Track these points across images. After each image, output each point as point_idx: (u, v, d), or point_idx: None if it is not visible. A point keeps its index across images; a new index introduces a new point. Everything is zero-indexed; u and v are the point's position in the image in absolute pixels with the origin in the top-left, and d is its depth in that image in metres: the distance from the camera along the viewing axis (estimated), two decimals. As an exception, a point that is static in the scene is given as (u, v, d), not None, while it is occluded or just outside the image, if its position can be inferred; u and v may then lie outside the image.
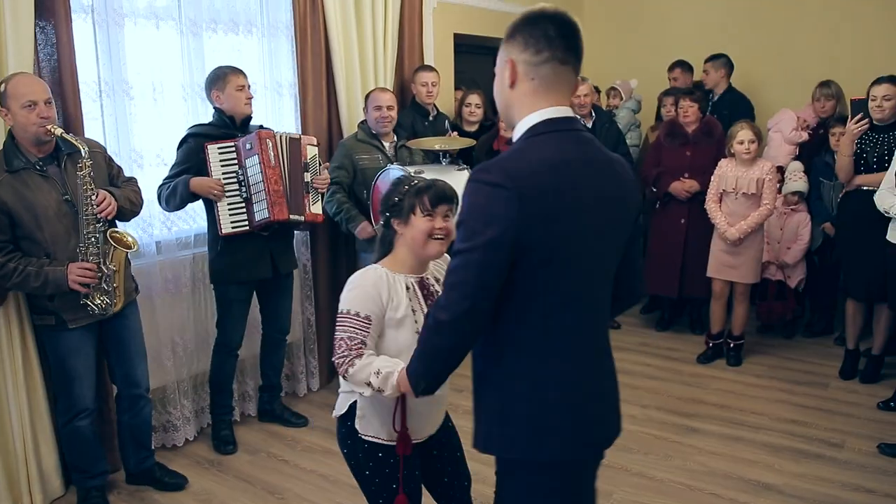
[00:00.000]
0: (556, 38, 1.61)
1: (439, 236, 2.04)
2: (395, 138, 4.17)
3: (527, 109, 1.63)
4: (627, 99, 5.92)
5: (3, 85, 2.69)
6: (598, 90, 6.06)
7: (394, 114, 4.09)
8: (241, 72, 3.49)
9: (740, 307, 4.64)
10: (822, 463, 3.45)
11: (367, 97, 4.13)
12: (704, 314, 5.07)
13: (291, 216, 3.49)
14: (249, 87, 3.53)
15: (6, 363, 2.98)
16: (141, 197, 3.14)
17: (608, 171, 1.65)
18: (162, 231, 3.62)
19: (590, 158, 1.62)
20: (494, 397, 1.67)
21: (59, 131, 2.74)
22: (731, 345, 4.71)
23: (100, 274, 2.82)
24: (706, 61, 5.45)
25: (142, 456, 3.28)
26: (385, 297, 2.03)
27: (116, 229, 2.93)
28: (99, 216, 2.81)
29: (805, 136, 5.11)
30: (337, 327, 2.00)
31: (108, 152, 3.11)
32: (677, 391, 4.31)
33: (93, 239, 2.80)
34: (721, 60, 5.38)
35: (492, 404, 1.68)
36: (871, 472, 3.35)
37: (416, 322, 2.05)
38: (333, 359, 2.00)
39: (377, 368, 1.91)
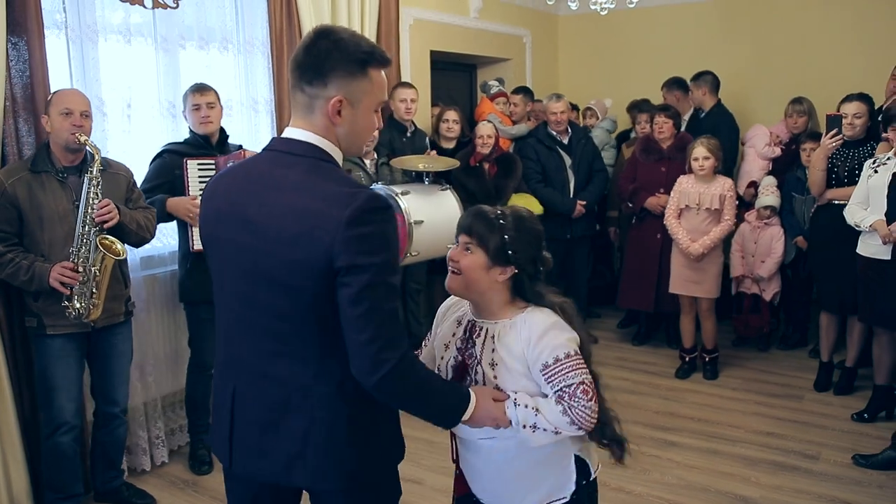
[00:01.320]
0: None
1: (451, 268, 1.82)
2: (376, 156, 4.17)
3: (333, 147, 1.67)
4: (603, 118, 5.99)
5: (51, 96, 2.92)
6: (576, 108, 6.13)
7: (376, 133, 4.07)
8: (200, 90, 3.44)
9: (707, 322, 4.68)
10: (799, 475, 3.48)
11: None
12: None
13: None
14: (211, 105, 3.44)
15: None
16: (154, 225, 3.17)
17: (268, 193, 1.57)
18: (132, 250, 3.56)
19: (254, 175, 1.62)
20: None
21: (83, 138, 2.86)
22: (707, 358, 4.74)
23: (83, 277, 2.83)
24: (691, 80, 5.50)
25: (110, 475, 3.25)
26: (441, 315, 1.99)
27: (107, 236, 2.92)
28: (96, 219, 2.85)
29: (778, 151, 5.19)
30: None
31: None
32: (655, 405, 4.33)
33: (85, 241, 2.85)
34: (704, 78, 5.43)
35: None
36: (847, 484, 3.38)
37: (441, 358, 1.90)
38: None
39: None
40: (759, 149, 5.26)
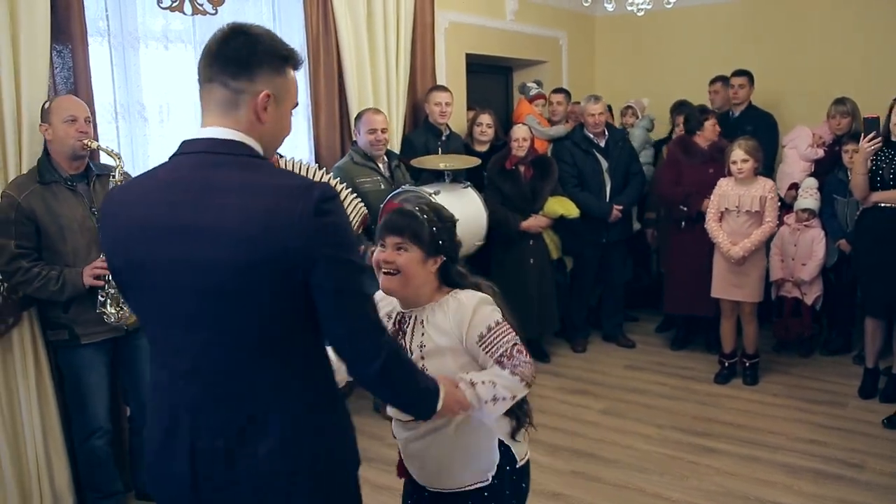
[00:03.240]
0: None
1: (386, 270, 1.87)
2: (387, 159, 4.18)
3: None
4: (641, 118, 5.93)
5: (47, 103, 2.85)
6: (609, 109, 6.08)
7: (387, 136, 4.10)
8: None
9: (749, 326, 4.59)
10: (842, 484, 3.39)
11: (358, 118, 4.10)
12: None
13: None
14: None
15: (20, 382, 3.00)
16: None
17: (200, 198, 1.41)
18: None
19: (177, 182, 1.45)
20: None
21: (95, 144, 2.88)
22: (747, 363, 4.65)
23: None
24: (734, 75, 5.42)
25: None
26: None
27: None
28: None
29: (820, 152, 5.09)
30: None
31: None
32: (693, 410, 4.26)
33: None
34: (748, 76, 5.38)
35: None
36: (893, 493, 3.29)
37: None
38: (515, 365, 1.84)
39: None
40: (801, 150, 5.16)
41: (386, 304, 2.00)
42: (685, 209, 4.87)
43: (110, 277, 2.80)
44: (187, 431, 1.47)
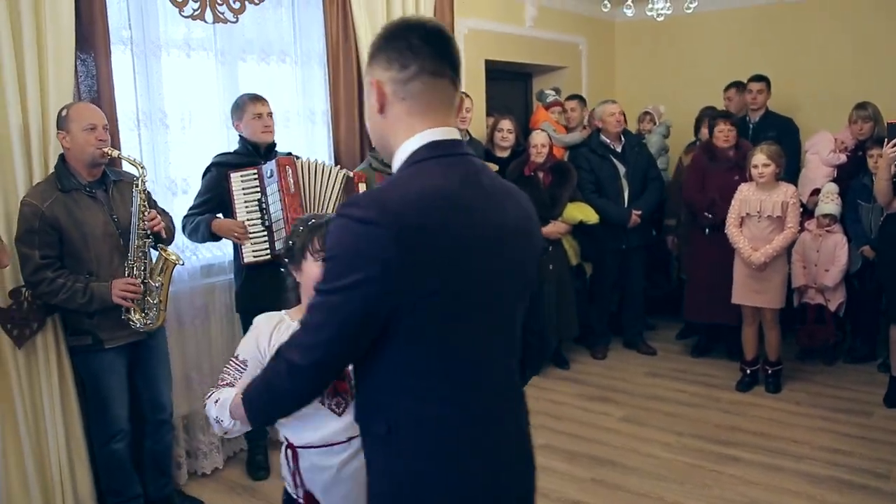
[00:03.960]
0: (422, 47, 1.34)
1: None
2: None
3: (403, 135, 1.38)
4: (658, 124, 5.91)
5: (64, 111, 2.84)
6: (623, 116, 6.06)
7: None
8: (259, 99, 3.49)
9: (771, 333, 4.54)
10: (868, 494, 3.34)
11: None
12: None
13: None
14: (271, 114, 3.51)
15: (44, 387, 3.03)
16: (174, 228, 3.25)
17: (507, 201, 1.43)
18: (190, 258, 3.65)
19: (483, 187, 1.38)
20: (389, 485, 1.41)
21: (115, 153, 2.89)
22: (770, 371, 4.60)
23: (143, 290, 2.90)
24: (752, 80, 5.38)
25: (161, 483, 3.28)
26: (265, 344, 1.85)
27: (165, 248, 3.01)
28: (150, 231, 2.92)
29: (843, 157, 5.03)
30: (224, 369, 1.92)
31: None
32: (715, 418, 4.22)
33: (141, 254, 2.90)
34: (766, 82, 5.35)
35: (387, 493, 1.42)
36: (919, 504, 3.24)
37: None
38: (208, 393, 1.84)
39: (217, 397, 1.75)
40: (823, 155, 5.11)
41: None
42: (710, 216, 4.83)
43: None
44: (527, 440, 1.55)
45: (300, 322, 1.38)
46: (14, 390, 2.95)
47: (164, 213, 3.20)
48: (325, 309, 1.30)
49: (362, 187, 3.63)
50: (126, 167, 3.11)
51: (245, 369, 1.84)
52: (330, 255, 1.30)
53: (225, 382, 1.83)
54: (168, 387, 3.23)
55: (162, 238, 3.05)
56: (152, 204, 3.11)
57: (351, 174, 3.60)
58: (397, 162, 1.39)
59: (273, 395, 1.43)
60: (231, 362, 1.89)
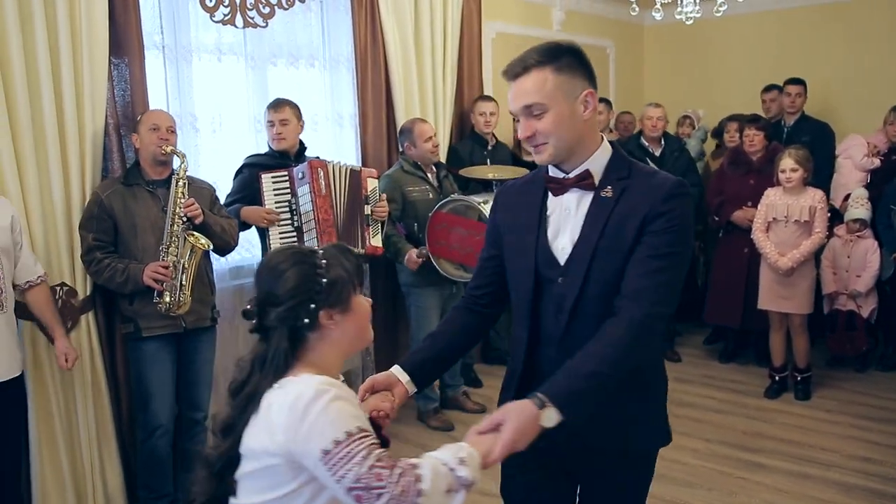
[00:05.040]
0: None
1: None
2: (435, 168, 4.20)
3: (597, 139, 1.72)
4: (697, 128, 5.87)
5: (140, 116, 3.11)
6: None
7: (437, 147, 4.15)
8: (275, 106, 3.55)
9: (799, 339, 4.48)
10: (898, 504, 3.30)
11: (408, 131, 4.05)
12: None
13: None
14: (284, 121, 3.54)
15: (77, 386, 3.10)
16: (237, 233, 3.30)
17: None
18: (220, 260, 3.68)
19: None
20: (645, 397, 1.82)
21: (169, 149, 3.03)
22: (798, 378, 4.54)
23: (173, 273, 2.98)
24: (788, 83, 5.32)
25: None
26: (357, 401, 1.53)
27: (193, 232, 3.07)
28: (183, 214, 3.00)
29: (877, 161, 4.95)
30: (352, 460, 1.34)
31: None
32: (742, 425, 4.18)
33: (173, 238, 3.01)
34: (803, 85, 5.29)
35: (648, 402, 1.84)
36: (952, 515, 3.18)
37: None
38: (384, 493, 1.33)
39: (448, 459, 1.43)
40: (856, 160, 5.03)
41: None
42: (717, 218, 4.83)
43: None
44: None
45: (651, 279, 1.60)
46: (49, 387, 3.02)
47: (227, 217, 3.28)
48: (678, 268, 1.65)
49: (371, 182, 3.66)
50: (192, 172, 3.19)
51: (371, 431, 1.44)
52: (683, 224, 1.64)
53: (385, 455, 1.40)
54: (208, 388, 3.28)
55: (195, 225, 3.08)
56: (217, 209, 3.23)
57: (358, 168, 3.65)
58: (598, 161, 1.70)
59: (624, 360, 1.58)
60: (356, 441, 1.37)
